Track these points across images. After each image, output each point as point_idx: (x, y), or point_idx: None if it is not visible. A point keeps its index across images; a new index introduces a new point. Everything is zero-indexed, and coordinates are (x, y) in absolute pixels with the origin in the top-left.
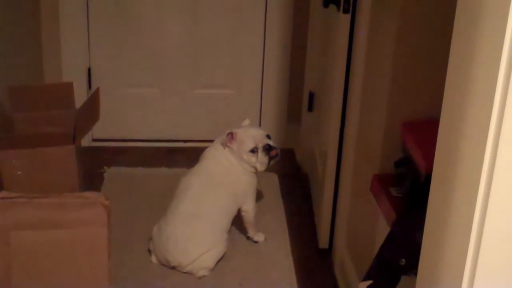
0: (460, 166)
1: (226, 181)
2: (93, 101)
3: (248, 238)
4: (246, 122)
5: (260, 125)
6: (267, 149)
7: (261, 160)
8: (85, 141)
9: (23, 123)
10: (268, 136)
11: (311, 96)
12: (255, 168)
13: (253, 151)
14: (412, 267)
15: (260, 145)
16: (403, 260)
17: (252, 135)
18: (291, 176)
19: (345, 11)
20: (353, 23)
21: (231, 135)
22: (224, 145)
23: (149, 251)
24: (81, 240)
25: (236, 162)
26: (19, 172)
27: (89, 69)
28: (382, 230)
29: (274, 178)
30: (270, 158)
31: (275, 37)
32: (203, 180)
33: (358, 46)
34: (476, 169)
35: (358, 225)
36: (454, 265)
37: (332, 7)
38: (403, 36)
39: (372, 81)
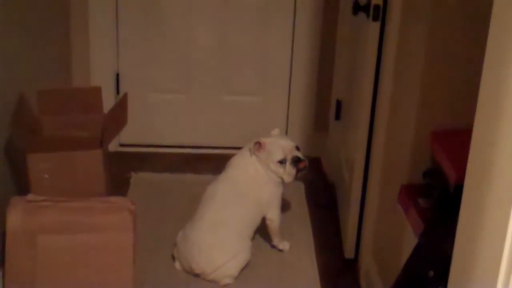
0: (494, 177)
1: (251, 190)
2: (121, 106)
3: (272, 246)
4: (276, 131)
5: (286, 133)
6: (296, 161)
7: (288, 172)
8: (112, 146)
9: (51, 126)
10: (297, 148)
11: (339, 104)
12: (282, 179)
13: (282, 162)
14: (440, 280)
15: (289, 157)
16: (432, 272)
17: (281, 145)
18: (318, 185)
19: (375, 18)
20: (382, 31)
21: (259, 145)
22: (252, 153)
23: (173, 258)
24: (107, 245)
25: (263, 171)
26: (46, 176)
27: (117, 74)
28: (410, 241)
29: (300, 187)
30: (298, 170)
31: (303, 44)
32: (228, 188)
33: (388, 54)
34: (511, 180)
35: (385, 235)
36: (486, 278)
37: (362, 15)
38: (433, 44)
39: (401, 90)
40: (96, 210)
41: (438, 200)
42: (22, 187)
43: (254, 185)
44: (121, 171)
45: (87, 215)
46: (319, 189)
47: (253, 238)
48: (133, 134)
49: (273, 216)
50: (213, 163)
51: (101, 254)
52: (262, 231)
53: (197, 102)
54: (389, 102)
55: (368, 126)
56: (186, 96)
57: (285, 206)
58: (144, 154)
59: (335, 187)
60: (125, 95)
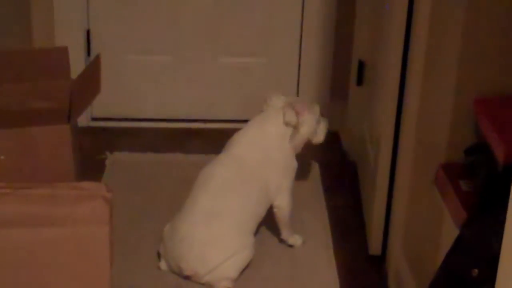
0: None
1: (260, 172)
2: (92, 71)
3: (281, 241)
4: (278, 97)
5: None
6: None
7: (322, 130)
8: (83, 120)
9: (7, 96)
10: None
11: (361, 66)
12: (312, 141)
13: (318, 121)
14: (486, 279)
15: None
16: (476, 270)
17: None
18: (335, 166)
19: None
20: None
21: (300, 107)
22: (289, 122)
23: (159, 256)
24: (77, 241)
25: (282, 145)
26: (2, 157)
27: (87, 32)
28: (449, 232)
29: (315, 168)
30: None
31: None
32: (230, 172)
33: (421, 4)
34: None
35: (418, 226)
36: None
37: None
38: None
39: (438, 47)
40: (63, 199)
41: (484, 182)
42: None
43: (265, 166)
44: (93, 150)
45: (53, 205)
46: (337, 170)
47: (257, 232)
48: (108, 105)
49: (283, 203)
50: (207, 140)
51: (70, 252)
52: (268, 221)
53: (187, 66)
54: (423, 62)
55: (398, 92)
56: (174, 58)
57: (296, 191)
58: (121, 129)
59: (357, 168)
60: (98, 57)
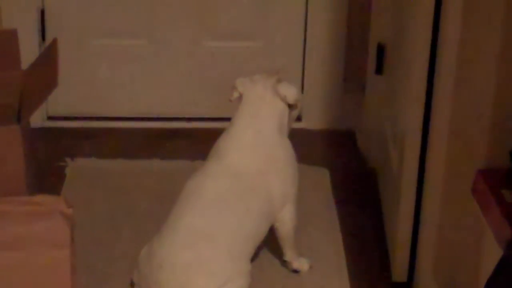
0: None
1: (263, 181)
2: (48, 59)
3: (284, 264)
4: (249, 81)
5: (303, 94)
6: None
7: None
8: (37, 119)
9: None
10: None
11: (381, 50)
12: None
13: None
14: None
15: None
16: None
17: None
18: (350, 172)
19: None
20: None
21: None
22: (297, 99)
23: (132, 285)
24: (32, 268)
25: (283, 139)
26: None
27: (42, 11)
28: (491, 253)
29: (324, 176)
30: None
31: None
32: (225, 186)
33: None
34: None
35: (453, 246)
36: None
37: None
38: None
39: (475, 27)
40: (14, 216)
41: None
42: None
43: (268, 173)
44: (50, 156)
45: (1, 223)
46: (352, 178)
47: (255, 256)
48: (67, 102)
49: (287, 216)
50: (192, 142)
51: (23, 281)
52: (268, 240)
53: (164, 52)
54: (457, 43)
55: (426, 82)
56: (148, 43)
57: (302, 205)
58: (84, 130)
59: (377, 175)
60: (54, 42)
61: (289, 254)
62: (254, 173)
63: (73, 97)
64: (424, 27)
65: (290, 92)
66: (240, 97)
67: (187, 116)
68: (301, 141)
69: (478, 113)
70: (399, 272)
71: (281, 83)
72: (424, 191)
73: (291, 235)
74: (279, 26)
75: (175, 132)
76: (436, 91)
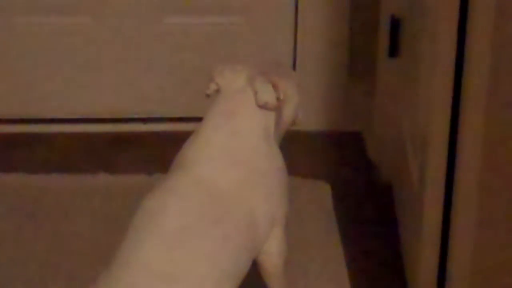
0: None
1: (243, 199)
2: None
3: None
4: (233, 70)
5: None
6: None
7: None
8: None
9: None
10: None
11: (395, 26)
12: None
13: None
14: None
15: None
16: None
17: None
18: (358, 187)
19: None
20: None
21: (276, 75)
22: (268, 103)
23: None
24: None
25: (269, 147)
26: None
27: None
28: None
29: (325, 192)
30: None
31: None
32: (193, 205)
33: None
34: None
35: (493, 278)
36: None
37: None
38: None
39: None
40: None
41: None
42: None
43: (249, 189)
44: None
45: None
46: (360, 194)
47: None
48: None
49: (273, 247)
50: (151, 151)
51: None
52: (252, 275)
53: (114, 32)
54: (493, 17)
55: (454, 66)
56: (92, 21)
57: (295, 230)
58: (9, 137)
59: (392, 188)
60: None
61: None
62: (230, 190)
63: None
64: None
65: (264, 90)
66: (219, 90)
67: (143, 116)
68: (294, 147)
69: None
70: None
71: (262, 77)
72: (453, 209)
73: (280, 270)
74: None
75: (128, 138)
76: (467, 79)
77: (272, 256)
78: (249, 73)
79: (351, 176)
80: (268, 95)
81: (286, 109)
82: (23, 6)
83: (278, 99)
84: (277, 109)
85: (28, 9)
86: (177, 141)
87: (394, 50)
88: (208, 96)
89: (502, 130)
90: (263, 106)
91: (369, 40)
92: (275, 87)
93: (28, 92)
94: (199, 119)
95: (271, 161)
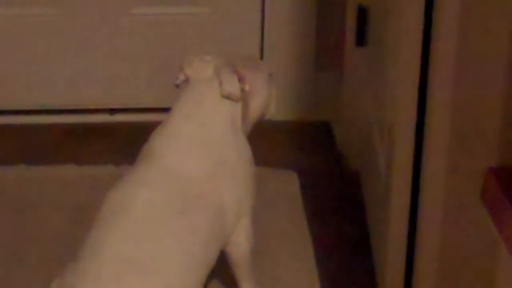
0: None
1: (212, 188)
2: None
3: None
4: (202, 60)
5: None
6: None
7: (273, 96)
8: None
9: None
10: None
11: (363, 15)
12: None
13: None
14: None
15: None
16: None
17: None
18: (325, 176)
19: None
20: None
21: (243, 67)
22: (232, 94)
23: None
24: None
25: (236, 136)
26: None
27: None
28: (505, 272)
29: (292, 181)
30: None
31: None
32: (162, 196)
33: None
34: None
35: (457, 264)
36: None
37: None
38: None
39: None
40: None
41: None
42: None
43: (217, 178)
44: None
45: None
46: (328, 183)
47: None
48: None
49: (241, 236)
50: (117, 141)
51: None
52: (220, 267)
53: (80, 23)
54: (459, 7)
55: (421, 56)
56: (58, 12)
57: (263, 219)
58: None
59: (360, 178)
60: None
61: (245, 285)
62: (198, 180)
63: None
64: None
65: (229, 81)
66: (187, 81)
67: (110, 107)
68: (262, 137)
69: (487, 99)
70: None
71: (228, 68)
72: (420, 197)
73: (247, 259)
74: None
75: (94, 129)
76: (433, 69)
77: (240, 245)
78: (217, 64)
79: (319, 165)
80: (232, 86)
81: (254, 101)
82: None
83: (243, 90)
84: (242, 100)
85: None
86: (145, 132)
87: (361, 39)
88: (177, 86)
89: (469, 116)
90: (227, 97)
91: (337, 28)
92: (240, 78)
93: None
94: (166, 110)
95: (238, 152)
